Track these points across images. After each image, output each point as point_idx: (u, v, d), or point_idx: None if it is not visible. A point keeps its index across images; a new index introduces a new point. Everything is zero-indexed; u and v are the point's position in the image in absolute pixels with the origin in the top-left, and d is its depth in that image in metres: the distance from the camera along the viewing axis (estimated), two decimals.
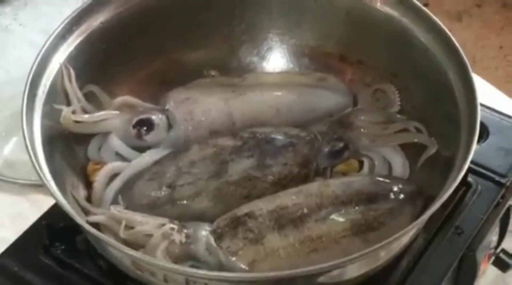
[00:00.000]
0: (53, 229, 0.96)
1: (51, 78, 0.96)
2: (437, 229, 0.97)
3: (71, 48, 0.99)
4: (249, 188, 0.93)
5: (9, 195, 1.19)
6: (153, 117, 1.01)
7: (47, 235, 0.96)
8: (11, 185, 1.19)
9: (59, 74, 0.97)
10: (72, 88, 0.98)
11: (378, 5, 1.01)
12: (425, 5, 2.68)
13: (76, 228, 0.92)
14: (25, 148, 0.87)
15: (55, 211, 0.98)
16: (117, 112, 1.02)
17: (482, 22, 2.78)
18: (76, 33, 0.99)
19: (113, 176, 0.98)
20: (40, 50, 0.95)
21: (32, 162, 0.85)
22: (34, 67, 0.94)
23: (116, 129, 1.01)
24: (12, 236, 0.99)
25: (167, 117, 1.01)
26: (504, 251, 1.05)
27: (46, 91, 0.95)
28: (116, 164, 0.98)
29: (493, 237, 1.01)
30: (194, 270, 0.80)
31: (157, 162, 0.97)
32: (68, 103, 0.98)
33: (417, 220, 0.81)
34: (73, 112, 0.98)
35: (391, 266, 0.90)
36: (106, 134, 1.01)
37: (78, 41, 1.00)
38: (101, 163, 0.99)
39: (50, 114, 0.95)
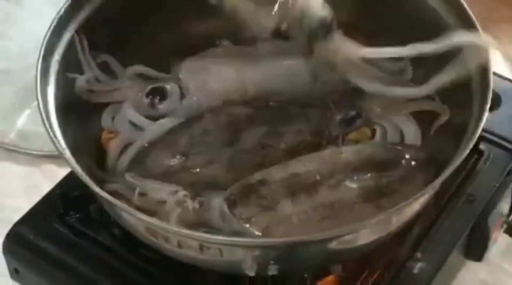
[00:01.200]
0: (67, 198, 0.97)
1: (64, 48, 0.96)
2: (449, 197, 0.98)
3: (83, 18, 0.98)
4: (262, 156, 0.94)
5: (23, 166, 1.20)
6: (166, 86, 1.01)
7: (62, 204, 0.97)
8: (25, 157, 1.20)
9: (72, 45, 0.97)
10: (86, 57, 0.98)
11: None
12: None
13: (90, 197, 0.93)
14: (39, 120, 0.87)
15: (69, 180, 1.00)
16: (130, 81, 1.02)
17: None
18: (88, 3, 0.99)
19: (127, 145, 0.98)
20: (52, 21, 0.95)
21: (47, 130, 0.85)
22: (47, 38, 0.94)
23: (129, 98, 1.01)
24: (26, 206, 1.00)
25: (180, 87, 1.01)
26: None
27: (59, 61, 0.95)
28: (130, 133, 0.99)
29: (505, 205, 1.01)
30: (208, 235, 0.80)
31: (170, 131, 0.98)
32: (82, 73, 0.99)
33: (429, 186, 0.81)
34: (87, 82, 0.98)
35: (403, 233, 0.91)
36: (119, 104, 1.02)
37: (90, 11, 0.99)
38: (115, 132, 1.00)
39: (63, 84, 0.95)
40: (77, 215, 0.98)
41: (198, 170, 0.93)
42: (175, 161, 0.94)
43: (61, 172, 1.01)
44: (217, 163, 0.93)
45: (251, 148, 0.94)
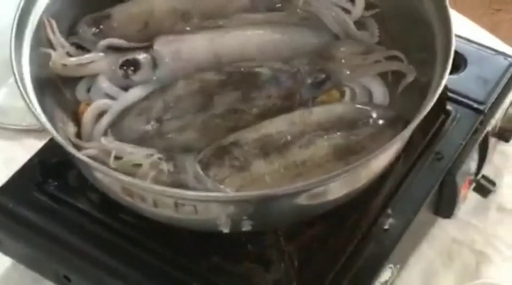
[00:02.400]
0: (45, 166, 0.99)
1: (35, 26, 0.98)
2: (418, 155, 1.01)
3: None
4: (235, 120, 0.95)
5: (2, 141, 1.21)
6: (139, 57, 1.02)
7: (40, 172, 0.99)
8: (3, 131, 1.21)
9: (42, 24, 0.99)
10: (56, 37, 1.00)
11: None
12: None
13: (68, 164, 0.95)
14: (16, 95, 0.88)
15: (47, 150, 1.02)
16: (103, 54, 1.03)
17: None
18: None
19: (102, 113, 0.99)
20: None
21: (26, 103, 0.87)
22: (17, 16, 0.95)
23: (103, 70, 1.02)
24: (6, 178, 1.02)
25: (153, 57, 1.03)
26: (484, 176, 1.08)
27: (31, 37, 0.97)
28: (104, 101, 1.00)
29: (472, 163, 1.04)
30: (182, 191, 0.82)
31: (144, 98, 0.99)
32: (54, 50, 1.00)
33: (395, 138, 0.84)
34: (60, 57, 1.00)
35: (372, 190, 0.93)
36: (93, 76, 1.03)
37: None
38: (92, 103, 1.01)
39: (38, 60, 0.97)
40: (56, 183, 1.00)
41: (172, 135, 0.95)
42: (149, 127, 0.95)
43: (40, 145, 1.03)
44: (191, 128, 0.95)
45: (223, 112, 0.96)
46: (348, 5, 1.05)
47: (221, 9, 1.08)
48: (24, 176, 1.01)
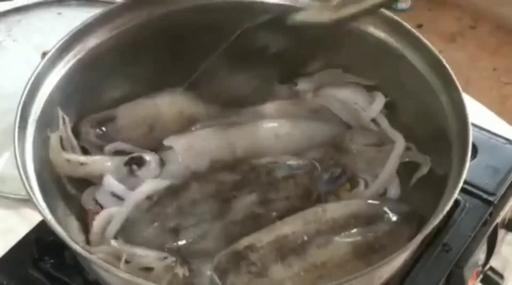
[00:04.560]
0: (42, 243, 0.97)
1: (42, 104, 0.96)
2: (425, 246, 0.98)
3: (65, 70, 0.99)
4: (254, 226, 0.92)
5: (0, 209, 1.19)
6: (144, 155, 1.00)
7: (36, 249, 0.97)
8: (1, 200, 1.19)
9: (51, 98, 0.97)
10: (67, 135, 0.99)
11: (370, 28, 1.02)
12: (419, 26, 2.72)
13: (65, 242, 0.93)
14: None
15: (45, 225, 0.98)
16: (108, 156, 1.02)
17: (476, 43, 2.80)
18: (68, 56, 1.00)
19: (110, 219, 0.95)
20: (34, 71, 0.96)
21: (20, 175, 0.85)
22: (27, 89, 0.94)
23: (109, 171, 0.99)
24: (1, 250, 0.99)
25: (161, 159, 1.01)
26: (492, 269, 1.05)
27: (37, 116, 0.95)
28: (111, 209, 0.96)
29: (481, 254, 1.01)
30: None
31: (156, 202, 0.95)
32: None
33: (412, 240, 0.81)
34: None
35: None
36: (99, 185, 1.00)
37: (70, 64, 1.00)
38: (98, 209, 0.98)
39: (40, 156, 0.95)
40: (52, 261, 0.97)
41: (190, 244, 0.91)
42: (167, 238, 0.91)
43: (38, 216, 0.99)
44: (210, 237, 0.91)
45: (242, 219, 0.92)
46: (364, 105, 1.04)
47: (229, 109, 1.06)
48: (20, 252, 0.98)
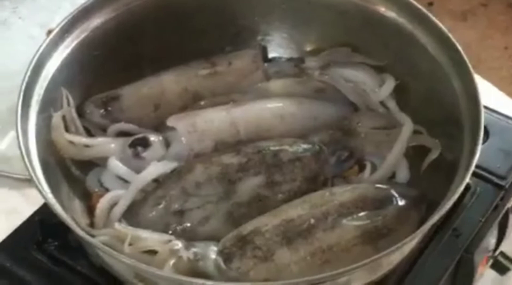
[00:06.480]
0: (46, 225, 0.96)
1: (45, 84, 0.95)
2: (435, 231, 0.96)
3: (69, 49, 0.98)
4: (260, 208, 0.90)
5: (4, 190, 1.18)
6: (149, 135, 0.99)
7: (40, 231, 0.96)
8: (5, 180, 1.18)
9: (55, 78, 0.96)
10: (71, 115, 0.98)
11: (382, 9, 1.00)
12: (430, 4, 2.69)
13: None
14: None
15: (49, 207, 0.98)
16: (112, 138, 1.00)
17: (487, 22, 2.77)
18: (72, 35, 0.99)
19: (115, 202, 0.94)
20: (37, 51, 0.94)
21: (22, 156, 0.84)
22: (29, 71, 0.93)
23: (113, 153, 0.98)
24: (6, 231, 0.98)
25: (165, 137, 0.99)
26: (502, 254, 1.04)
27: (41, 97, 0.94)
28: (115, 192, 0.95)
29: (491, 239, 1.00)
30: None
31: (160, 185, 0.94)
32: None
33: (423, 226, 0.80)
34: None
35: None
36: (103, 167, 0.99)
37: (74, 43, 0.99)
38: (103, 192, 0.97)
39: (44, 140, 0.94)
40: (56, 243, 0.96)
41: (195, 226, 0.90)
42: (171, 220, 0.90)
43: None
44: (214, 218, 0.90)
45: (248, 200, 0.91)
46: (373, 86, 1.02)
47: (233, 86, 1.04)
48: (23, 234, 0.97)
